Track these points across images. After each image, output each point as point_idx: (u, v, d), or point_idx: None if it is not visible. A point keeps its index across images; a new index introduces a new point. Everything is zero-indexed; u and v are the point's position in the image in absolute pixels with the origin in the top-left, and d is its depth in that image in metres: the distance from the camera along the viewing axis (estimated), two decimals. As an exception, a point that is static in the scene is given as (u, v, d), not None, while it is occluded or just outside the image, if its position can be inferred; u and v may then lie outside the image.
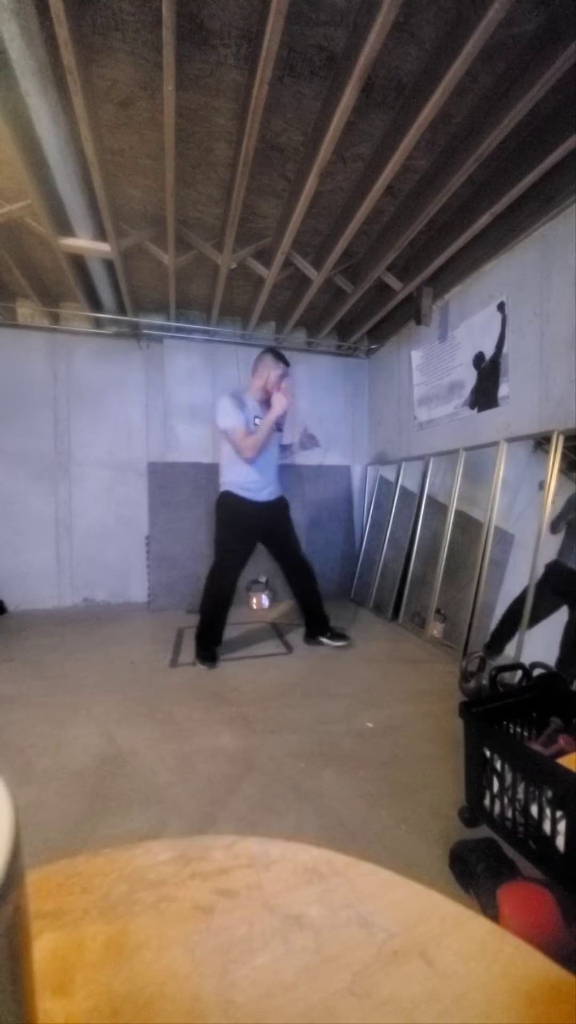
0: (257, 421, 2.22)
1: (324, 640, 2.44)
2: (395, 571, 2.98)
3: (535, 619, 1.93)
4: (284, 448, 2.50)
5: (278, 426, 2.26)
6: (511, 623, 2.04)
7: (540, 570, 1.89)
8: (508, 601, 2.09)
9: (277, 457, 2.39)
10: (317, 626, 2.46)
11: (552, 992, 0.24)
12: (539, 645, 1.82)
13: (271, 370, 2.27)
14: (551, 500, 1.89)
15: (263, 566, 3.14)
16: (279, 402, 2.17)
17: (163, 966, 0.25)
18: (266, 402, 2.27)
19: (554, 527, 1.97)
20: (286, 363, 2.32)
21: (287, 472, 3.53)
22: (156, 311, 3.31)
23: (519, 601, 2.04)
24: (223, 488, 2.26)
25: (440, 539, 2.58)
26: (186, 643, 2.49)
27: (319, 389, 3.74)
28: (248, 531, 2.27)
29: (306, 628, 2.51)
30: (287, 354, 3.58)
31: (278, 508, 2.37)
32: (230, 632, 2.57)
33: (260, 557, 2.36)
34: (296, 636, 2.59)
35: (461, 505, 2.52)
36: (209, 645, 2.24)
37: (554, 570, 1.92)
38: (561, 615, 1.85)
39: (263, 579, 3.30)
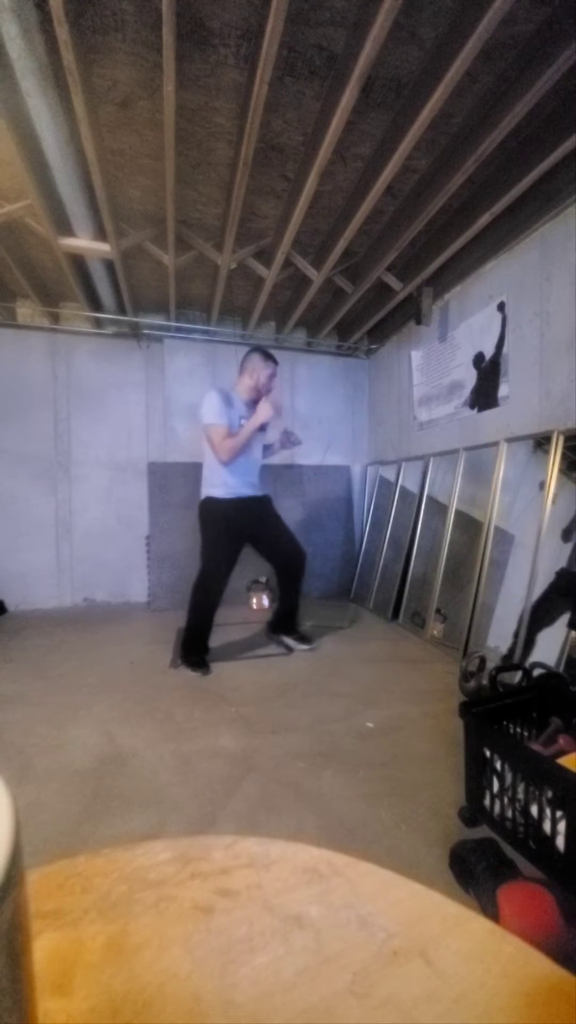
0: (243, 422, 2.13)
1: (287, 640, 2.40)
2: (395, 571, 2.98)
3: (545, 622, 1.90)
4: (266, 448, 2.41)
5: (262, 427, 2.18)
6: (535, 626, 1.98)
7: (539, 573, 1.89)
8: (508, 601, 2.08)
9: (260, 458, 2.32)
10: (286, 622, 2.41)
11: (552, 992, 0.24)
12: (541, 648, 1.82)
13: (261, 371, 2.19)
14: (551, 500, 1.89)
15: (263, 566, 3.13)
16: (264, 410, 2.09)
17: (163, 966, 0.25)
18: (254, 402, 2.19)
19: (567, 535, 1.92)
20: (275, 362, 2.24)
21: (288, 472, 3.54)
22: (156, 311, 3.31)
23: (540, 603, 1.97)
24: (204, 494, 2.17)
25: (440, 539, 2.58)
26: (186, 643, 2.49)
27: (319, 389, 3.74)
28: (231, 534, 2.18)
29: (274, 620, 2.45)
30: (287, 354, 3.64)
31: (262, 505, 2.29)
32: (230, 633, 2.58)
33: (260, 558, 2.35)
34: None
35: (461, 505, 2.51)
36: (199, 652, 2.17)
37: (564, 577, 1.87)
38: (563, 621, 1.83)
39: (263, 579, 3.29)
